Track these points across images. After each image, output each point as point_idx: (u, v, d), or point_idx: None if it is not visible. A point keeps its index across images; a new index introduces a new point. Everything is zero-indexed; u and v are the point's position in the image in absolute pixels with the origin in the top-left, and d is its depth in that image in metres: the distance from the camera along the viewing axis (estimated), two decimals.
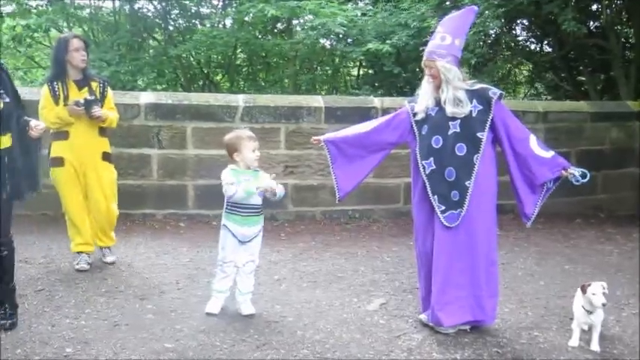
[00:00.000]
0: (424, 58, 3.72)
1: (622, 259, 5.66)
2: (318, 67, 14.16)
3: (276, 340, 3.65)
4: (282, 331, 3.80)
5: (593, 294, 3.63)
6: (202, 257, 5.24)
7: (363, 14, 11.81)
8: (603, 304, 3.61)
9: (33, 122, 3.59)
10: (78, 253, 4.82)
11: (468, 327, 3.83)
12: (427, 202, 3.77)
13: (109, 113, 4.72)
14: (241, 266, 3.96)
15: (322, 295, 4.44)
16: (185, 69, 12.24)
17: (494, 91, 3.67)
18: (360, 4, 13.75)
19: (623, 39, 10.39)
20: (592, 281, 3.79)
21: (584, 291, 3.70)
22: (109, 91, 4.85)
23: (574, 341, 3.74)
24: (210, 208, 6.36)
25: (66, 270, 4.74)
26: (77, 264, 4.78)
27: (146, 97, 6.39)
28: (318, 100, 6.72)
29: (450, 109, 3.63)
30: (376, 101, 6.87)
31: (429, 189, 3.72)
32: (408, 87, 14.66)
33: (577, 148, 7.38)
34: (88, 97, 4.56)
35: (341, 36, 11.67)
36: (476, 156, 3.63)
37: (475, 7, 4.00)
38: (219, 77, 13.74)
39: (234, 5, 11.72)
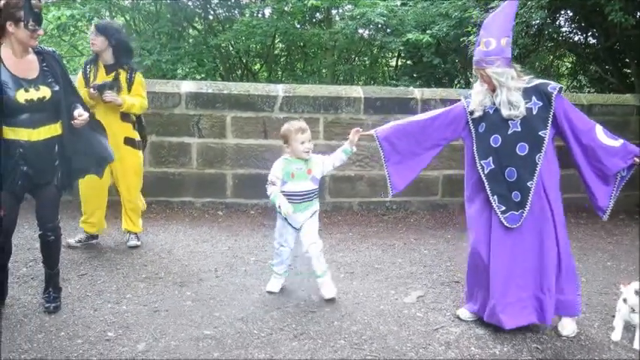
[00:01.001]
0: (474, 66, 3.63)
1: None
2: (357, 58, 14.08)
3: (314, 330, 3.67)
4: (320, 321, 3.81)
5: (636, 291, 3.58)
6: (240, 246, 5.28)
7: (404, 4, 11.69)
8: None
9: (77, 112, 3.65)
10: (81, 227, 5.04)
11: None
12: (480, 199, 3.71)
13: (128, 99, 4.76)
14: (305, 252, 4.09)
15: (359, 287, 4.43)
16: (224, 58, 12.33)
17: (553, 86, 3.53)
18: None
19: None
20: (634, 280, 3.72)
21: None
22: (138, 79, 4.89)
23: (616, 335, 3.67)
24: (248, 198, 6.42)
25: (107, 255, 4.84)
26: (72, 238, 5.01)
27: (187, 86, 6.44)
28: (357, 91, 6.68)
29: (505, 112, 3.53)
30: (416, 92, 6.79)
31: (488, 189, 3.62)
32: (446, 78, 14.49)
33: None
34: (101, 82, 4.68)
35: (380, 26, 11.58)
36: (538, 155, 3.51)
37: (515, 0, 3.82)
38: (257, 67, 13.80)
39: None
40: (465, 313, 3.91)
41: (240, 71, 12.84)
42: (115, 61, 4.79)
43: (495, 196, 3.60)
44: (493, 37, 3.51)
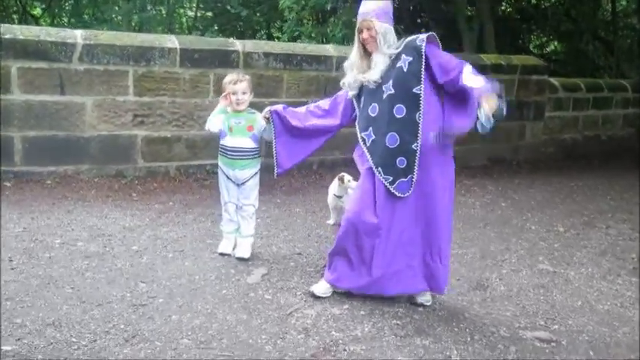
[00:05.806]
0: (359, 19, 3.26)
1: (485, 212, 5.70)
2: (152, 7, 13.14)
3: (148, 330, 3.01)
4: (153, 316, 3.16)
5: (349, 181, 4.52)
6: (39, 225, 4.35)
7: None
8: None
9: None
10: None
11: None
12: (365, 169, 3.38)
13: None
14: (240, 208, 4.02)
15: (194, 268, 3.83)
16: None
17: (422, 38, 3.24)
18: None
19: None
20: None
21: (342, 180, 4.56)
22: None
23: (331, 220, 4.93)
24: (44, 165, 5.43)
25: None
26: None
27: None
28: (172, 41, 5.89)
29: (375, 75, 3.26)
30: (238, 45, 6.18)
31: (371, 162, 3.31)
32: (250, 31, 14.08)
33: None
34: None
35: None
36: (417, 114, 3.22)
37: None
38: (37, 12, 12.15)
39: None
40: (322, 286, 3.52)
41: (17, 15, 11.13)
42: None
43: (380, 168, 3.30)
44: None
